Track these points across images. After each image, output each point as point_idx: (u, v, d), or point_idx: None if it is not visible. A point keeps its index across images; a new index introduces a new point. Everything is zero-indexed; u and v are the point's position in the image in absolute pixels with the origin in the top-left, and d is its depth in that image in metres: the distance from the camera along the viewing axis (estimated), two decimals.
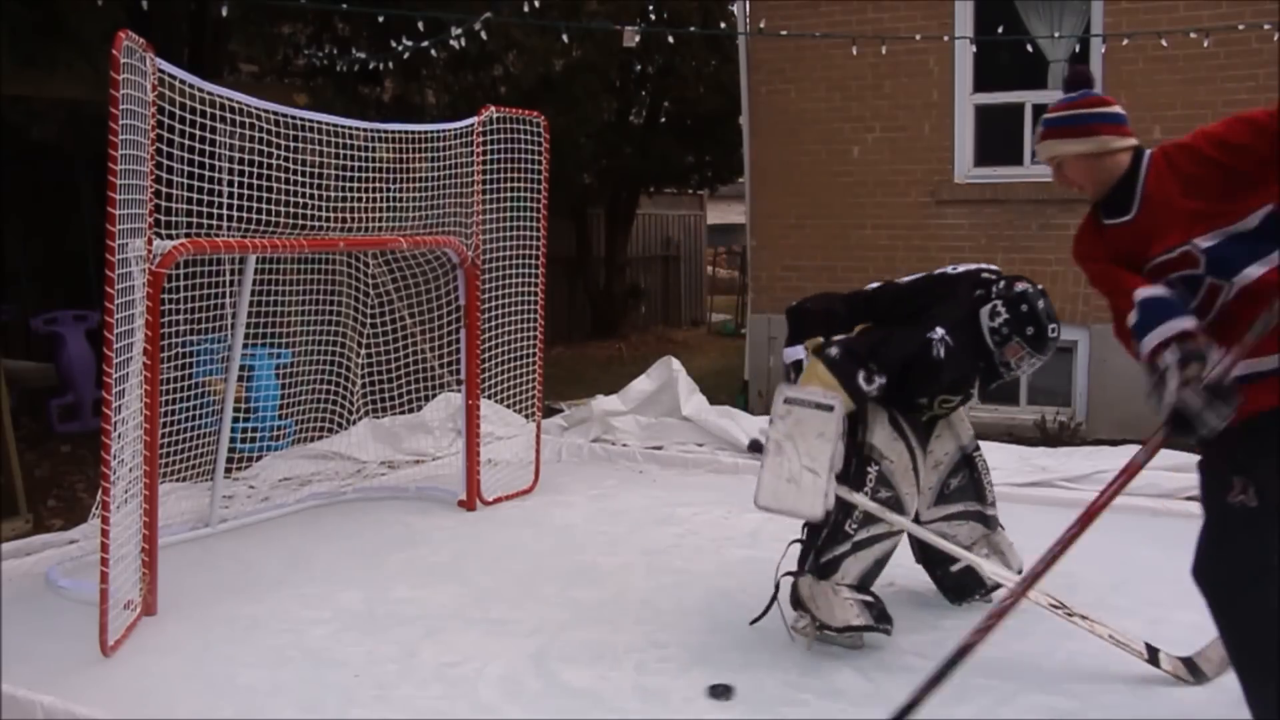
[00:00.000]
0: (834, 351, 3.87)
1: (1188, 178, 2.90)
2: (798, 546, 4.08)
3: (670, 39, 10.92)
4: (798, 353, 4.10)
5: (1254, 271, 2.81)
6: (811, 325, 4.14)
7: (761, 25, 9.00)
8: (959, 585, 4.40)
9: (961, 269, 4.17)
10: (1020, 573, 4.18)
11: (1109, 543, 4.52)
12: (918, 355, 3.91)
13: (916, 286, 4.16)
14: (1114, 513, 4.50)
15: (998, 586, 4.25)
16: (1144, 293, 2.91)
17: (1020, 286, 3.99)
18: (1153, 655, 3.83)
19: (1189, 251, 2.89)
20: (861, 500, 3.93)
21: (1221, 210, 2.83)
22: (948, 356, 3.92)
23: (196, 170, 4.77)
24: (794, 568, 4.08)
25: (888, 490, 4.00)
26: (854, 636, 3.96)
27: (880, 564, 4.05)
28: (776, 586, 4.06)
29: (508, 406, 6.71)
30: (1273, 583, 2.76)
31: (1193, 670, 3.75)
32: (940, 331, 3.93)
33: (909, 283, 4.20)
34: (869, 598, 3.98)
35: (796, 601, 4.03)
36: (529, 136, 6.18)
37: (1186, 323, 2.82)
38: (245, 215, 5.10)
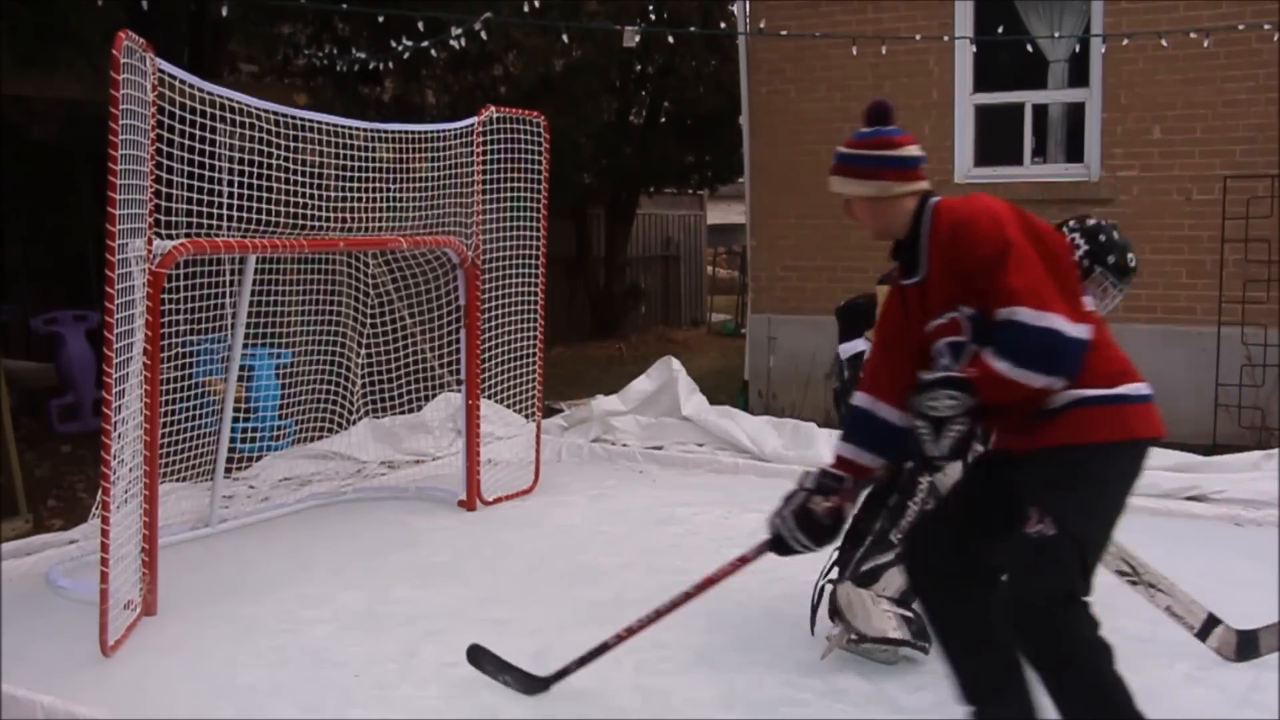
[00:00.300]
0: None
1: (949, 257, 2.93)
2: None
3: (670, 39, 10.92)
4: (857, 345, 3.97)
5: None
6: (868, 316, 3.97)
7: (761, 25, 9.00)
8: None
9: None
10: None
11: None
12: None
13: None
14: None
15: None
16: (856, 399, 3.15)
17: (1092, 220, 3.87)
18: (1206, 627, 3.80)
19: (956, 318, 2.94)
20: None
21: (977, 289, 2.86)
22: None
23: (196, 170, 4.77)
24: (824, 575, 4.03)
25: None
26: (890, 650, 3.78)
27: None
28: (819, 592, 3.96)
29: (508, 406, 6.71)
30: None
31: (1246, 645, 3.74)
32: None
33: None
34: (909, 613, 3.77)
35: (833, 610, 3.85)
36: (529, 136, 6.18)
37: (846, 450, 3.13)
38: (245, 215, 5.10)
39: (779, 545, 3.25)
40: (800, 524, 3.17)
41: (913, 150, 3.11)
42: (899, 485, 3.84)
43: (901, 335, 3.12)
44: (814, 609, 4.01)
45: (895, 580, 3.83)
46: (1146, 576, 3.86)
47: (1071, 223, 3.90)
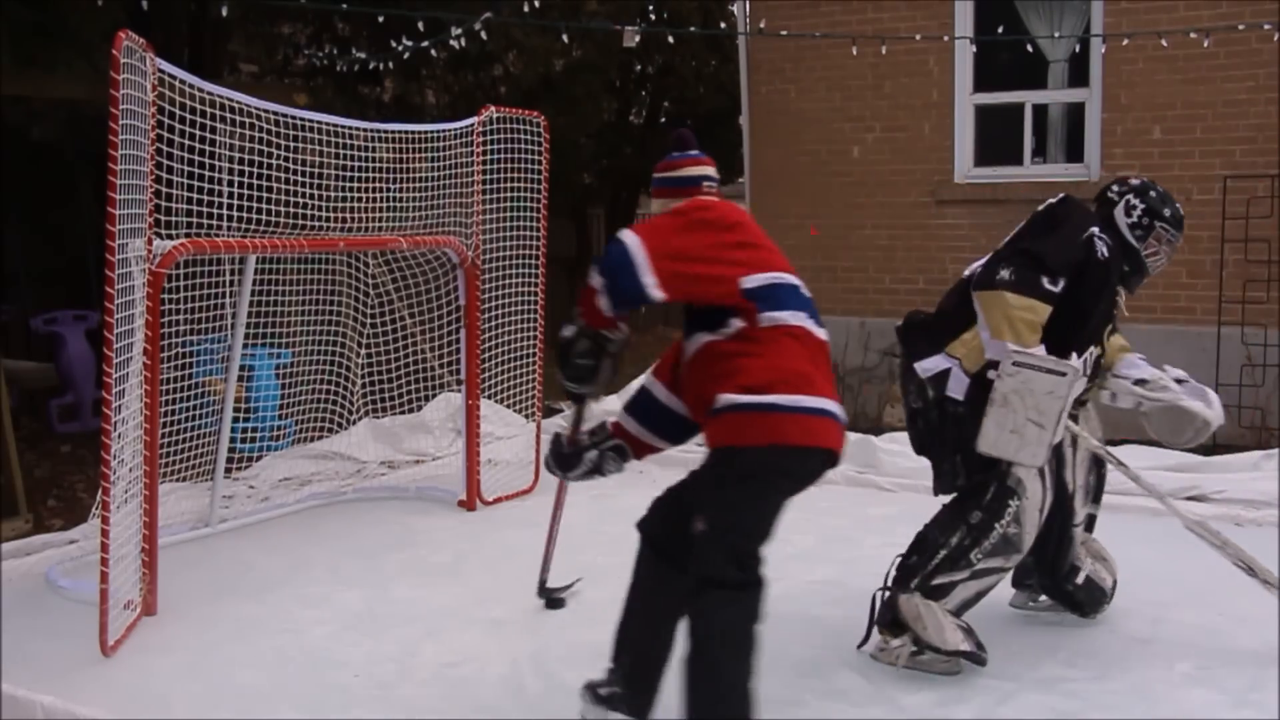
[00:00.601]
0: (1005, 273, 3.66)
1: None
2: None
3: (670, 39, 10.92)
4: (939, 363, 3.80)
5: (700, 338, 3.26)
6: (941, 328, 3.88)
7: (761, 25, 9.00)
8: (1090, 597, 4.17)
9: (1049, 202, 4.00)
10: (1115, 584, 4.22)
11: (1108, 543, 4.53)
12: (1086, 258, 3.73)
13: (1027, 233, 3.90)
14: (1114, 512, 4.54)
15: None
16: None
17: (1136, 179, 4.10)
18: None
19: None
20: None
21: None
22: (1111, 255, 3.80)
23: (196, 170, 4.77)
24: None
25: (1016, 528, 3.76)
26: (955, 661, 3.73)
27: (980, 597, 3.83)
28: (874, 601, 3.90)
29: (508, 406, 6.70)
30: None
31: None
32: (1095, 229, 3.80)
33: (1013, 239, 3.93)
34: (966, 625, 3.77)
35: (894, 622, 3.77)
36: (529, 136, 6.18)
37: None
38: (245, 215, 5.10)
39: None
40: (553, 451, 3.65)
41: (692, 171, 3.63)
42: (984, 503, 3.75)
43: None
44: (872, 616, 3.91)
45: (959, 596, 3.76)
46: (1261, 575, 3.91)
47: (1116, 186, 4.04)
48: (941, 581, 3.73)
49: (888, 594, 3.81)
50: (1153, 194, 4.02)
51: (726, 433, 3.26)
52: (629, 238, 3.15)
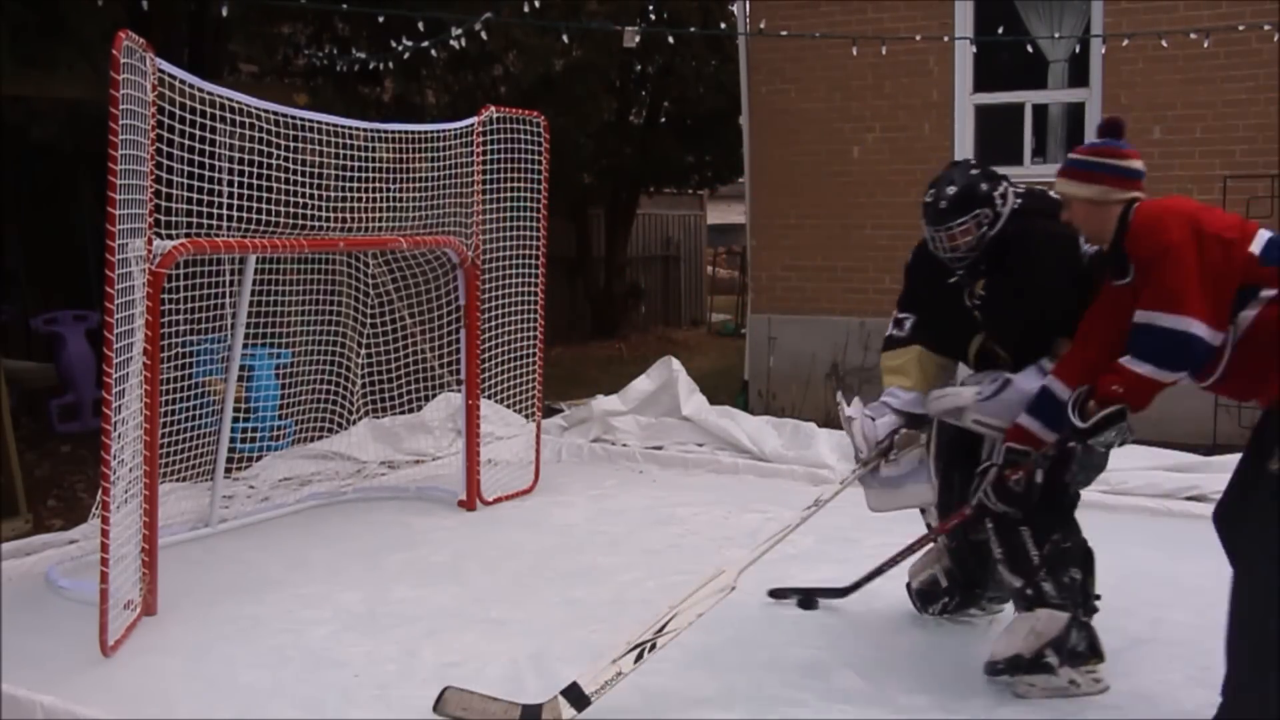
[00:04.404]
0: None
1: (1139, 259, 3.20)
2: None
3: (670, 39, 10.93)
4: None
5: (1246, 315, 3.12)
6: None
7: (761, 25, 9.00)
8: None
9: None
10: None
11: (1109, 543, 4.53)
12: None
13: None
14: (1115, 513, 4.54)
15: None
16: (1050, 383, 3.41)
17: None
18: None
19: None
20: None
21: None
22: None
23: (196, 170, 4.77)
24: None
25: None
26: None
27: None
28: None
29: (508, 406, 6.70)
30: None
31: None
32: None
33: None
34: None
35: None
36: (529, 136, 6.18)
37: (1038, 429, 3.43)
38: (245, 215, 5.10)
39: (981, 509, 3.62)
40: (999, 495, 3.51)
41: (1136, 165, 3.35)
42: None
43: (1103, 332, 3.34)
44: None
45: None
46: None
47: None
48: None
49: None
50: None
51: None
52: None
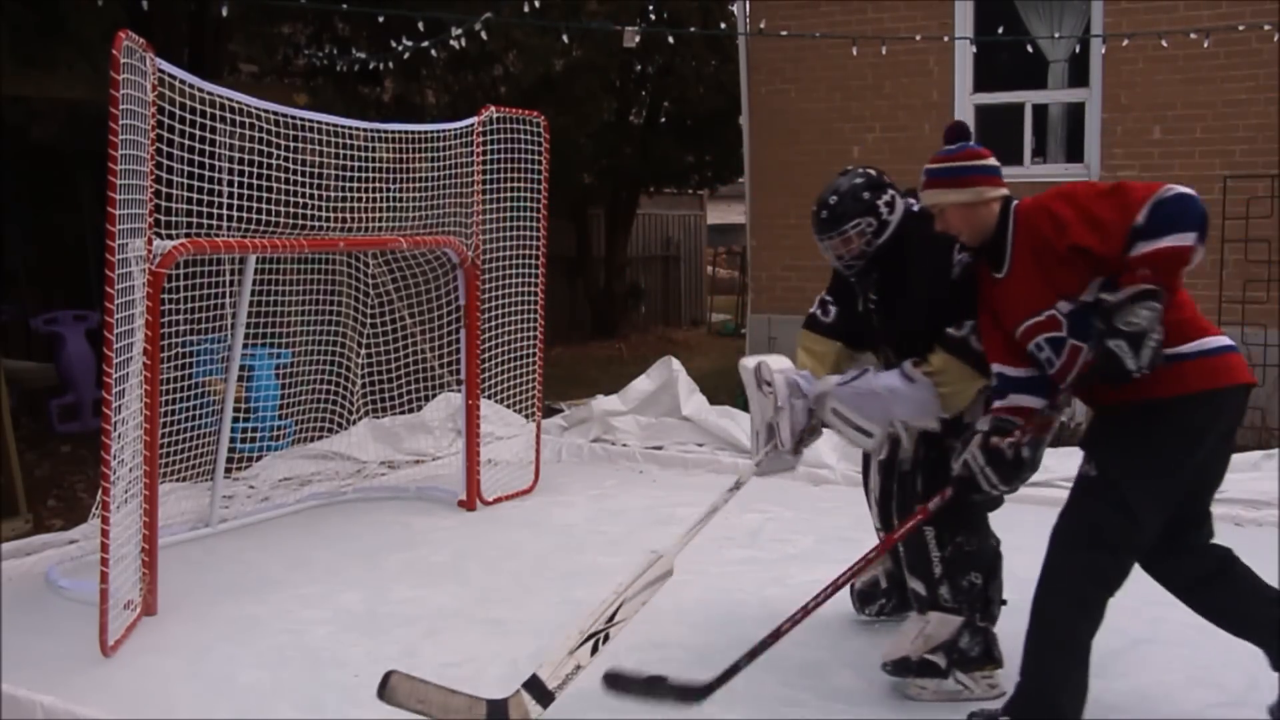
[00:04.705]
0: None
1: (1042, 251, 3.16)
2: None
3: (670, 39, 10.93)
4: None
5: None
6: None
7: (761, 25, 9.00)
8: None
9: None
10: None
11: None
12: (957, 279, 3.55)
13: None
14: None
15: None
16: (996, 369, 3.34)
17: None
18: None
19: (1054, 315, 3.17)
20: None
21: (1070, 282, 3.12)
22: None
23: (196, 170, 4.77)
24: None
25: None
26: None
27: None
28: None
29: (508, 406, 6.71)
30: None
31: None
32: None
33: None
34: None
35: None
36: (529, 136, 6.18)
37: (1026, 400, 3.26)
38: (245, 215, 5.10)
39: (969, 485, 3.34)
40: (989, 460, 3.26)
41: (995, 161, 3.38)
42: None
43: (997, 321, 3.36)
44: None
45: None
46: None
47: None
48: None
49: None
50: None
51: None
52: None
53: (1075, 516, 3.15)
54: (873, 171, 3.78)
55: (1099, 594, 3.12)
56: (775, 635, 3.39)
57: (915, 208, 3.68)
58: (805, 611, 3.41)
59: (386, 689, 3.23)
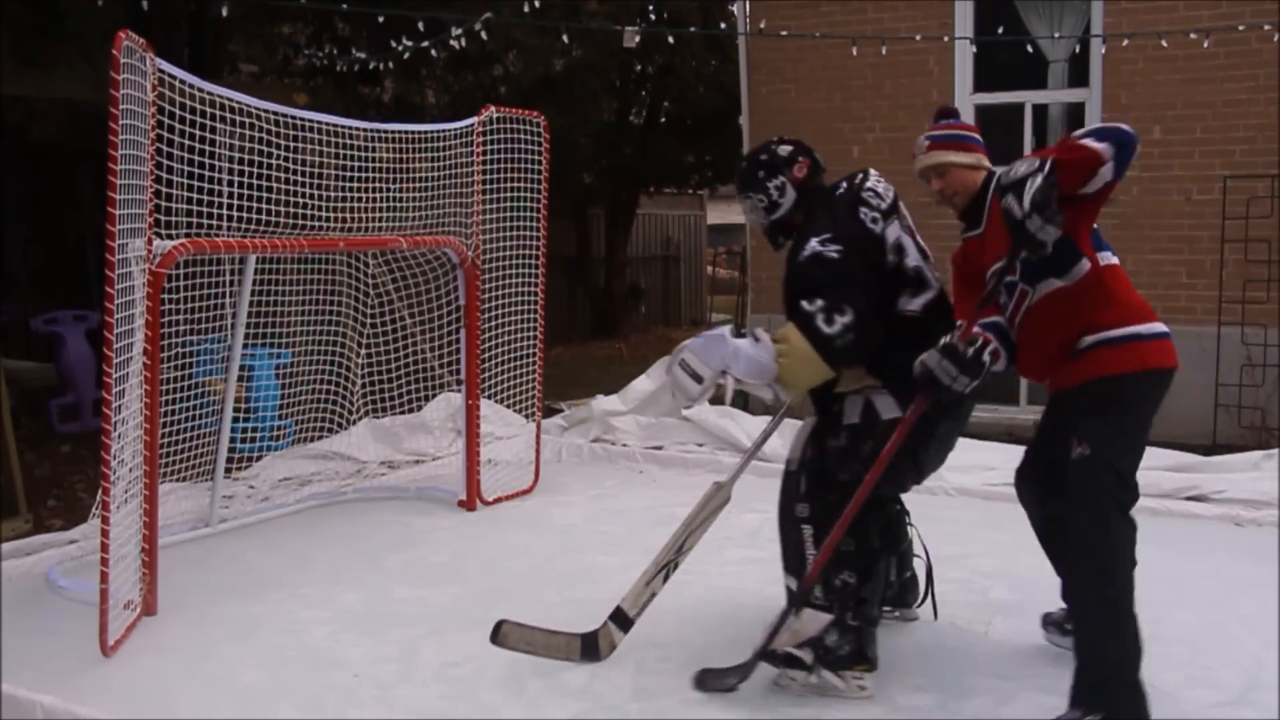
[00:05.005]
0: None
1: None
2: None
3: (670, 39, 10.93)
4: None
5: (1052, 282, 3.42)
6: None
7: (761, 25, 9.00)
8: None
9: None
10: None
11: None
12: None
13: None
14: None
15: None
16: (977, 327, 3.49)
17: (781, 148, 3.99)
18: None
19: (1014, 263, 3.41)
20: None
21: None
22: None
23: (196, 170, 4.77)
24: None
25: None
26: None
27: None
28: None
29: (508, 406, 6.70)
30: None
31: None
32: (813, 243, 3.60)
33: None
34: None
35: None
36: (529, 136, 6.18)
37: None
38: (245, 215, 5.10)
39: (930, 382, 3.39)
40: (945, 354, 3.36)
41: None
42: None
43: (969, 278, 3.67)
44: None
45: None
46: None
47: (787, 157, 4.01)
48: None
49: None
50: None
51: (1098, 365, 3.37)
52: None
53: (1092, 496, 3.26)
54: (784, 151, 3.96)
55: (1133, 556, 3.27)
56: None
57: (841, 189, 3.87)
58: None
59: (499, 635, 3.82)
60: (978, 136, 3.76)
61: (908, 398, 3.52)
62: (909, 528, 4.21)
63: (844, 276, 3.51)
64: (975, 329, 3.48)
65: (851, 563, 3.65)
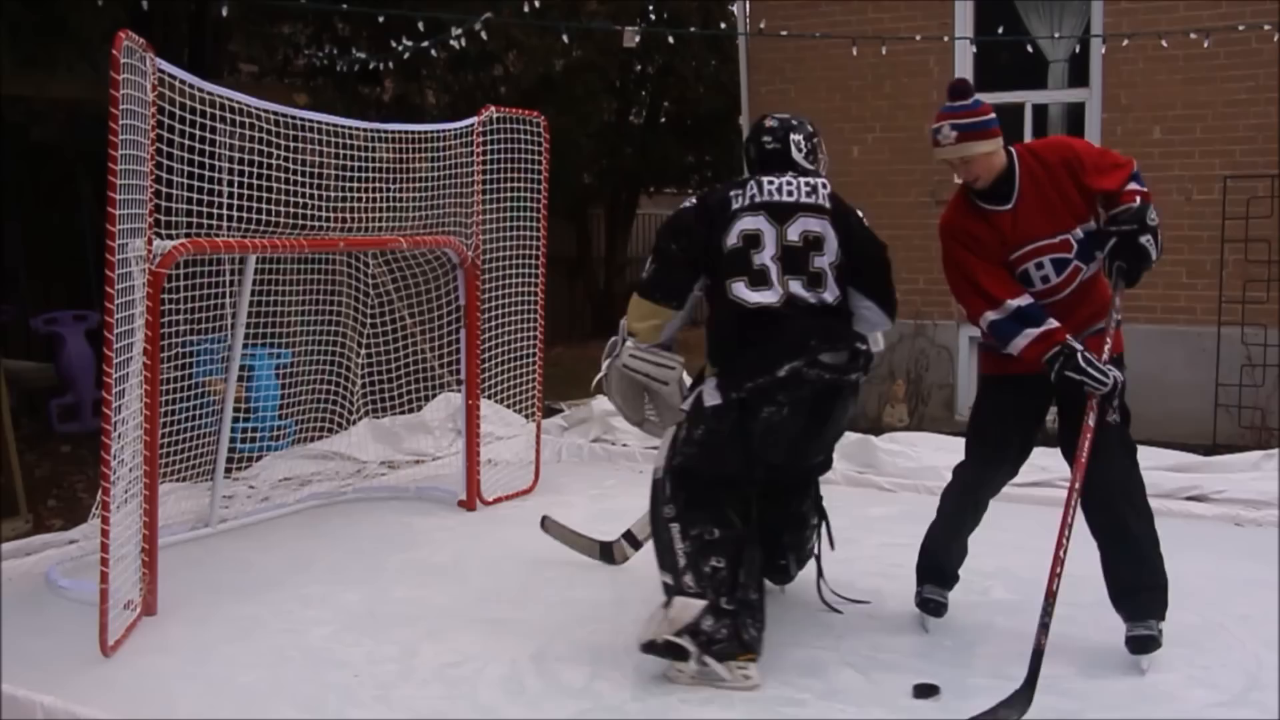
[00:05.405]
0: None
1: (1058, 179, 3.81)
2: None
3: (670, 39, 10.93)
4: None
5: (1094, 265, 3.87)
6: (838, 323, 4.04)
7: (761, 25, 9.00)
8: None
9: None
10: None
11: None
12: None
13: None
14: None
15: None
16: (1015, 303, 3.76)
17: (772, 120, 4.15)
18: None
19: (1067, 239, 3.81)
20: None
21: (1083, 213, 3.82)
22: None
23: (196, 170, 4.77)
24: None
25: None
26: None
27: None
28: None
29: (508, 406, 6.70)
30: None
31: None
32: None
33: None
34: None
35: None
36: (529, 136, 6.18)
37: (1051, 324, 3.73)
38: (245, 215, 5.10)
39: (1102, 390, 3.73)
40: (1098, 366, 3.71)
41: None
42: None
43: (996, 253, 3.84)
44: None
45: None
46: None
47: (770, 136, 4.12)
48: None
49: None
50: (799, 123, 4.14)
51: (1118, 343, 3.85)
52: None
53: (1126, 452, 3.88)
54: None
55: None
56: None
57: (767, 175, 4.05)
58: None
59: (545, 525, 5.11)
60: (996, 117, 3.91)
61: (729, 385, 3.80)
62: (811, 525, 4.36)
63: (669, 228, 4.13)
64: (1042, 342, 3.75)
65: (718, 549, 3.73)
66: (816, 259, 3.84)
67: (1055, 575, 3.66)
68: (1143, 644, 3.77)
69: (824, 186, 3.95)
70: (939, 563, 4.21)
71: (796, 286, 3.81)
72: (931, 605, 4.20)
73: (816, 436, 3.99)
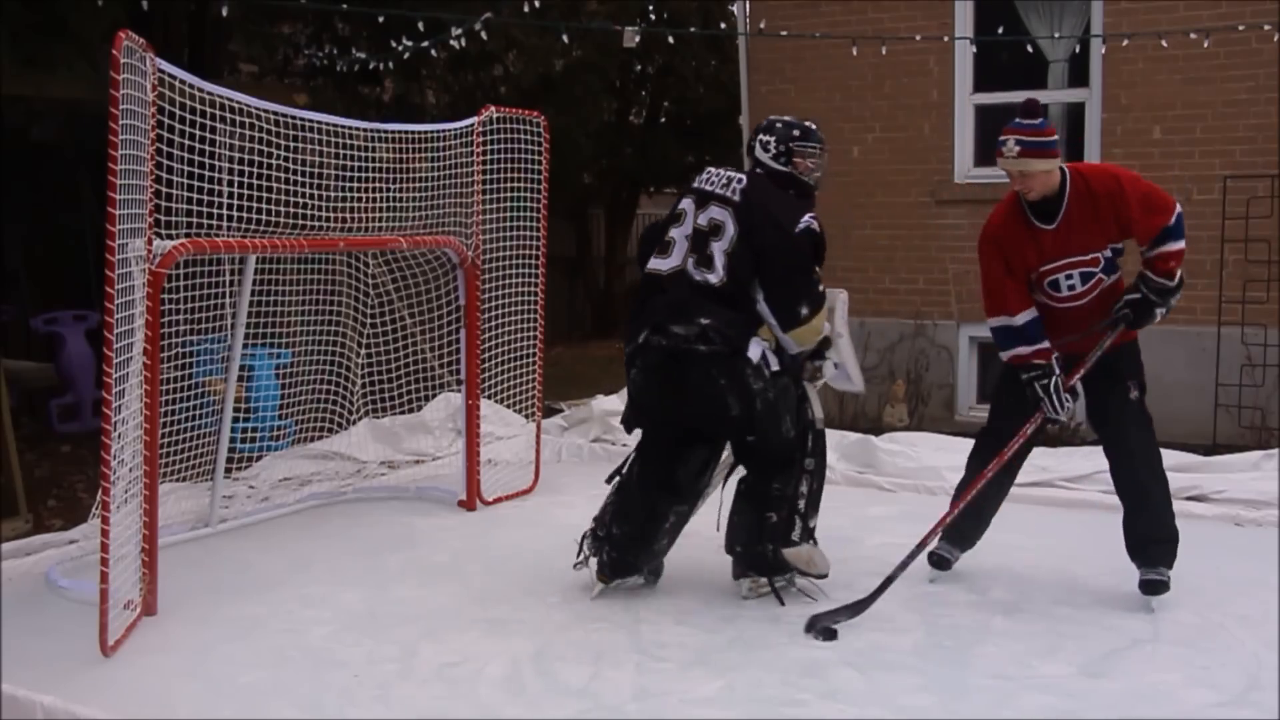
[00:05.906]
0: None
1: (1100, 210, 4.26)
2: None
3: (670, 39, 10.93)
4: (757, 347, 4.36)
5: (1112, 277, 4.43)
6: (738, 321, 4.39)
7: (761, 25, 9.00)
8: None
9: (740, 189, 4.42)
10: None
11: (1109, 543, 4.54)
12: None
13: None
14: (1114, 513, 4.54)
15: None
16: (1022, 319, 4.33)
17: (764, 122, 4.56)
18: None
19: (1096, 257, 4.34)
20: None
21: (1115, 237, 4.34)
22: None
23: (196, 170, 4.77)
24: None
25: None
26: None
27: None
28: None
29: (508, 406, 6.70)
30: None
31: None
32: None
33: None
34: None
35: (776, 566, 4.44)
36: (529, 136, 6.18)
37: (1043, 344, 4.32)
38: (245, 215, 5.10)
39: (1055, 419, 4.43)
40: (1059, 397, 4.33)
41: None
42: (809, 449, 4.50)
43: (1023, 266, 4.34)
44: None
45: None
46: None
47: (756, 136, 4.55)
48: (812, 523, 4.48)
49: (771, 550, 4.43)
50: (778, 124, 4.50)
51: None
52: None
53: (1145, 424, 4.42)
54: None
55: None
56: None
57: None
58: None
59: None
60: (1058, 139, 4.28)
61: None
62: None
63: None
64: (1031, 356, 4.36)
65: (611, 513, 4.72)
66: (713, 243, 4.29)
67: (935, 532, 4.48)
68: (1154, 586, 4.29)
69: (740, 182, 4.34)
70: (960, 523, 4.60)
71: (690, 263, 4.32)
72: (934, 558, 4.63)
73: (679, 398, 4.33)
